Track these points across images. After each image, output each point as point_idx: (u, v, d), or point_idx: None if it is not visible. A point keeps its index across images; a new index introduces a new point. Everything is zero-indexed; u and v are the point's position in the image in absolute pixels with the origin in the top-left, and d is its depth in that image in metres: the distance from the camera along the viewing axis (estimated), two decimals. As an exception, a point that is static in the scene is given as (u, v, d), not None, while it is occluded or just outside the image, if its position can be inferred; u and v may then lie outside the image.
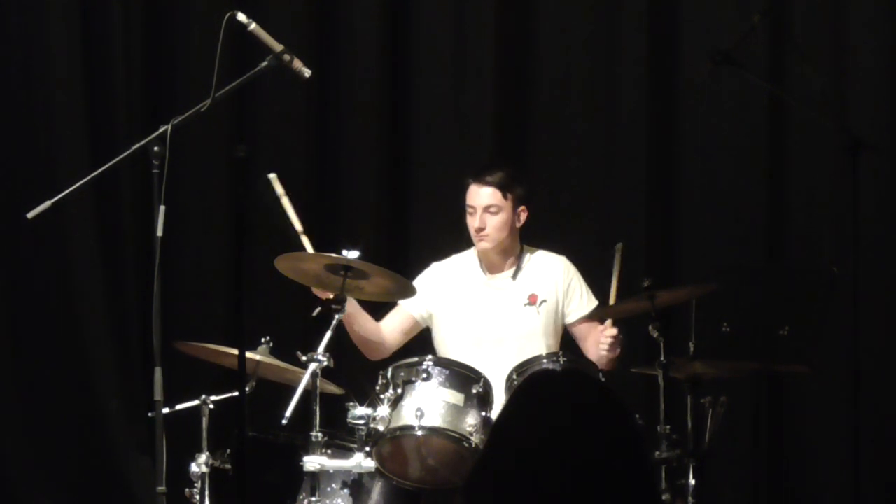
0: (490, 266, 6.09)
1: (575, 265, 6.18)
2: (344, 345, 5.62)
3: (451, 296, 6.06)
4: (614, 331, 5.80)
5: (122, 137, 6.85)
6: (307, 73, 5.42)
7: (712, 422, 5.45)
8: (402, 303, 6.05)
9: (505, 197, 5.98)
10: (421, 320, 6.10)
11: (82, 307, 7.13)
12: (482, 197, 5.98)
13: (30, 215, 5.49)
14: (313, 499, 5.28)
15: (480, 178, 6.00)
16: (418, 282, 6.03)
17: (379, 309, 6.42)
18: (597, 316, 5.98)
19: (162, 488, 5.30)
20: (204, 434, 5.43)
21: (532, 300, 6.05)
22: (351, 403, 5.38)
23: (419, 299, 6.01)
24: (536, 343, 5.97)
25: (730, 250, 7.14)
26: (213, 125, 6.79)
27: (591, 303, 6.10)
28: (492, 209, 5.97)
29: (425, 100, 7.32)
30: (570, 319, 6.09)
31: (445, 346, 6.03)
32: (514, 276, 6.07)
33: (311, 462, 5.28)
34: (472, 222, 5.99)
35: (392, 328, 6.09)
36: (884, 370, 6.96)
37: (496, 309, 6.03)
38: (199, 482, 5.42)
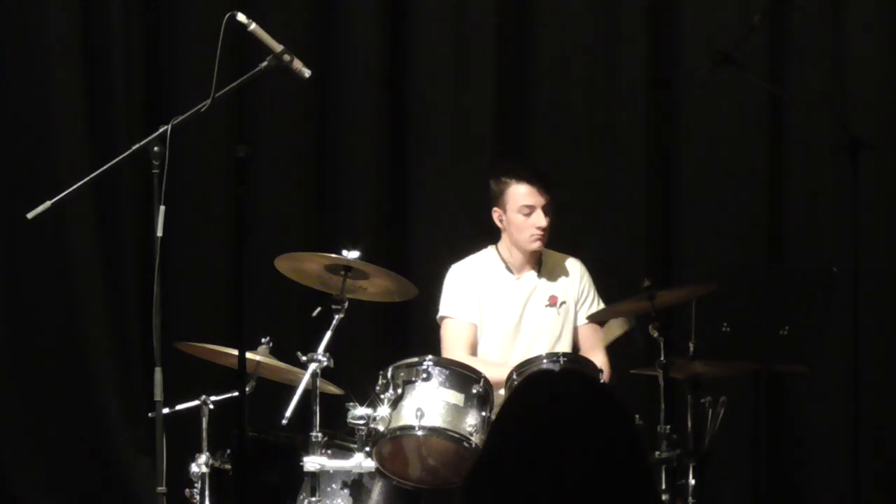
0: (515, 266, 6.08)
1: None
2: (344, 345, 5.62)
3: (485, 296, 6.05)
4: None
5: (122, 137, 6.85)
6: (307, 73, 5.42)
7: (712, 422, 5.45)
8: (456, 317, 6.02)
9: (553, 197, 6.01)
10: (476, 322, 6.08)
11: (82, 307, 7.13)
12: (542, 197, 5.97)
13: (30, 215, 5.50)
14: (313, 499, 5.28)
15: (538, 178, 5.98)
16: (453, 287, 6.02)
17: (380, 309, 6.43)
18: (597, 318, 5.99)
19: (162, 488, 5.31)
20: (204, 434, 5.42)
21: (552, 301, 6.06)
22: (351, 403, 5.38)
23: (471, 304, 6.01)
24: (557, 344, 5.98)
25: (730, 250, 7.14)
26: (213, 125, 6.80)
27: (597, 308, 6.11)
28: (546, 209, 5.97)
29: (425, 100, 7.32)
30: (578, 323, 6.09)
31: (478, 347, 6.03)
32: (538, 276, 6.08)
33: (311, 462, 5.28)
34: (533, 222, 5.95)
35: (472, 346, 6.05)
36: (884, 370, 6.96)
37: (526, 308, 6.03)
38: (199, 482, 5.42)
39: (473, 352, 6.01)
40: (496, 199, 6.03)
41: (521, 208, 5.96)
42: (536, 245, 6.00)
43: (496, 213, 6.05)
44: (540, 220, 5.95)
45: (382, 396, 5.39)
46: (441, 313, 6.05)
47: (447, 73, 7.32)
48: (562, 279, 6.10)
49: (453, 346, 5.98)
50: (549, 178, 6.05)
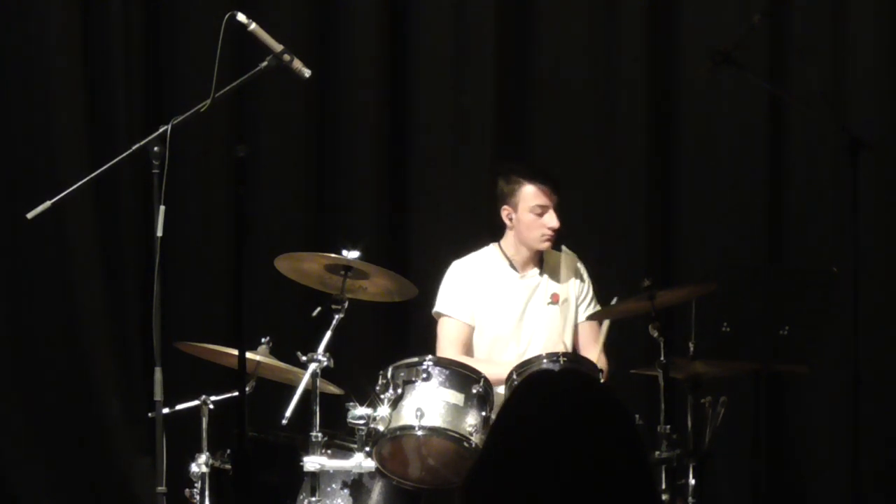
0: (519, 264, 6.08)
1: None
2: (344, 345, 5.62)
3: (487, 294, 6.05)
4: None
5: (122, 137, 6.85)
6: (307, 73, 5.42)
7: (712, 422, 5.46)
8: (451, 315, 6.03)
9: (560, 198, 6.03)
10: (473, 323, 6.10)
11: (82, 307, 7.12)
12: (554, 197, 5.99)
13: (30, 215, 5.50)
14: (313, 499, 5.28)
15: (549, 179, 6.01)
16: (453, 284, 6.03)
17: (380, 309, 6.43)
18: (597, 317, 5.99)
19: (162, 488, 5.31)
20: (204, 434, 5.43)
21: (555, 299, 6.06)
22: (351, 403, 5.38)
23: (468, 304, 6.02)
24: (559, 341, 5.98)
25: (730, 250, 7.14)
26: (213, 125, 6.79)
27: (595, 307, 6.11)
28: (557, 209, 5.99)
29: (425, 100, 7.32)
30: (578, 320, 6.09)
31: (478, 345, 6.03)
32: (541, 274, 6.08)
33: (311, 462, 5.28)
34: (545, 222, 5.97)
35: (466, 346, 6.05)
36: (884, 370, 6.96)
37: (529, 306, 6.04)
38: (199, 482, 5.42)
39: (468, 351, 6.01)
40: (507, 197, 6.03)
41: (534, 208, 5.97)
42: (546, 245, 6.02)
43: (505, 212, 6.04)
44: (552, 220, 5.97)
45: (382, 396, 5.40)
46: (437, 309, 6.06)
47: (447, 73, 7.32)
48: (563, 277, 6.11)
49: (448, 344, 5.99)
50: (558, 179, 6.07)
